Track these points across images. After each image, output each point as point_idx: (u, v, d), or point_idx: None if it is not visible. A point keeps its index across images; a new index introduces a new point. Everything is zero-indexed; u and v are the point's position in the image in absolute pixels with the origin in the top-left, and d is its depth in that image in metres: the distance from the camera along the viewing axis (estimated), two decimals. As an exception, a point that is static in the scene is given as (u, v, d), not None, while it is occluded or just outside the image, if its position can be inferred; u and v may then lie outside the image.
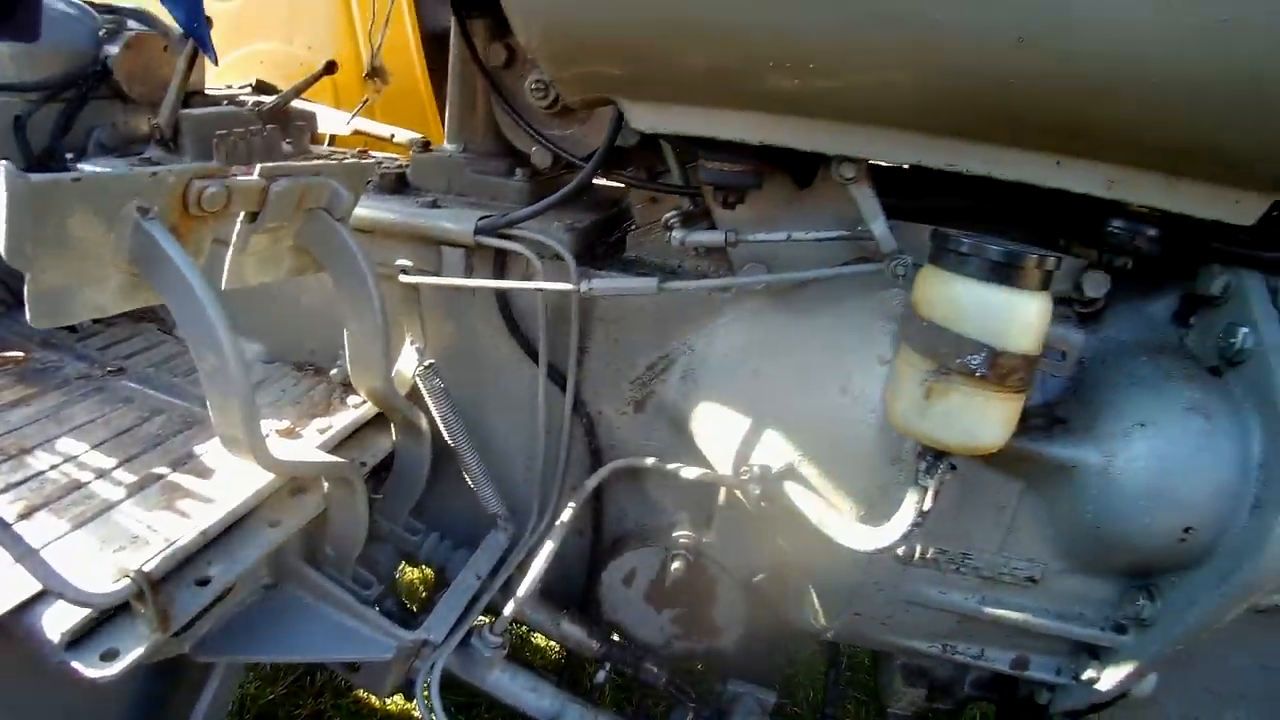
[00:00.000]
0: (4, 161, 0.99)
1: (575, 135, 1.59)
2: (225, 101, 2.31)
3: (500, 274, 1.62)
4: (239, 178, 1.25)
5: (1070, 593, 1.43)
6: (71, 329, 2.04)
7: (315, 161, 1.36)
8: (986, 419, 1.14)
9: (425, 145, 1.77)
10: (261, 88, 2.53)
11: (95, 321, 2.06)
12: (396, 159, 2.05)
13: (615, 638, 1.83)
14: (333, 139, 2.46)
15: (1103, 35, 0.94)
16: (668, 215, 1.49)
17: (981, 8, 0.97)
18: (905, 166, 1.40)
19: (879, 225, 1.34)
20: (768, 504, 1.43)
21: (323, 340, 1.88)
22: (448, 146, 1.77)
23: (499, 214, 1.58)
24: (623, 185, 1.85)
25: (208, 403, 1.25)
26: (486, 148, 1.73)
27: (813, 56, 1.11)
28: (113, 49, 2.12)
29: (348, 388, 1.75)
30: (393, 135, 2.17)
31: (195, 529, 1.35)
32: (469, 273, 1.61)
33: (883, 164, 1.31)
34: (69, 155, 2.06)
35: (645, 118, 1.34)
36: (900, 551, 1.44)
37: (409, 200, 1.68)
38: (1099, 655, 1.46)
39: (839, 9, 1.03)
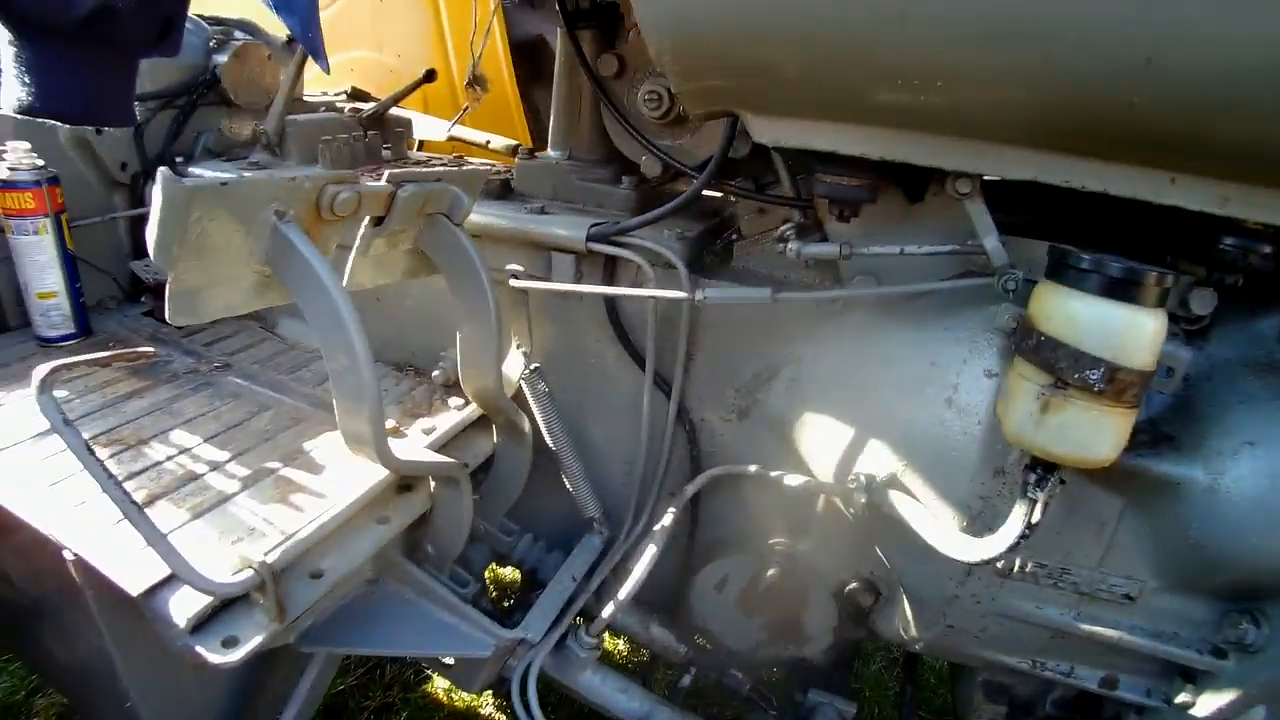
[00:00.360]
0: (163, 169, 1.03)
1: (685, 146, 1.60)
2: (323, 108, 2.36)
3: (609, 281, 1.63)
4: (369, 184, 1.28)
5: (1167, 612, 1.41)
6: (178, 325, 2.09)
7: (437, 168, 1.39)
8: (1101, 433, 1.14)
9: (530, 152, 1.79)
10: (356, 95, 2.58)
11: (199, 317, 2.11)
12: (490, 164, 2.08)
13: (701, 643, 1.83)
14: (422, 144, 2.50)
15: (1230, 53, 0.93)
16: (783, 227, 1.49)
17: (1113, 30, 0.97)
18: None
19: (991, 240, 1.33)
20: (870, 513, 1.42)
21: (424, 342, 1.91)
22: (552, 153, 1.79)
23: (610, 221, 1.59)
24: (722, 196, 1.87)
25: (335, 401, 1.27)
26: (593, 155, 1.74)
27: (940, 74, 1.11)
28: (221, 58, 2.18)
29: (449, 389, 1.78)
30: (488, 142, 2.20)
31: (311, 523, 1.38)
32: (578, 279, 1.63)
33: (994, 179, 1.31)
34: (179, 159, 2.12)
35: (767, 131, 1.34)
36: (999, 564, 1.42)
37: (517, 206, 1.70)
38: (1195, 679, 1.43)
39: (970, 28, 1.03)
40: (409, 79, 2.25)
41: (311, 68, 2.09)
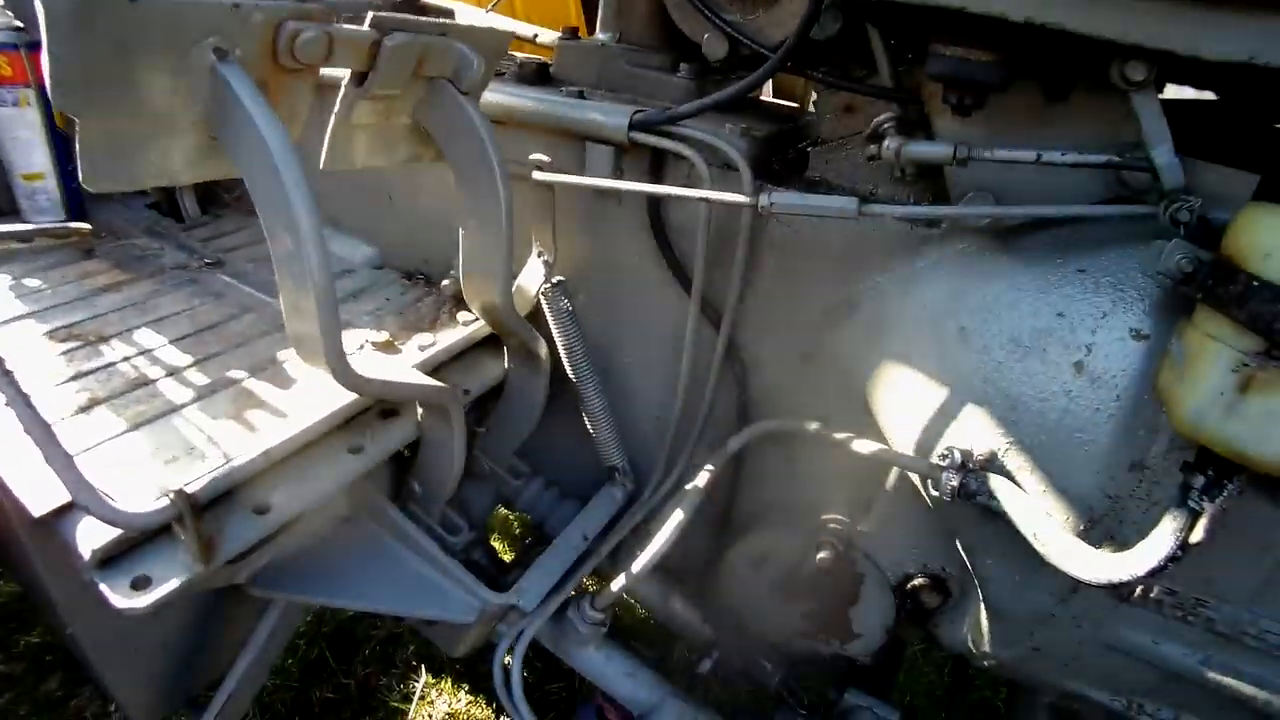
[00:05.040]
0: None
1: (759, 23, 1.16)
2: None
3: (655, 180, 1.22)
4: (344, 25, 0.90)
5: None
6: (179, 218, 1.75)
7: (439, 20, 1.00)
8: None
9: (574, 32, 1.39)
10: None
11: (204, 211, 1.76)
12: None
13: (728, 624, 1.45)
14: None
15: None
16: (879, 119, 1.07)
17: None
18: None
19: (1164, 152, 0.91)
20: (958, 499, 1.02)
21: (438, 249, 1.52)
22: (600, 36, 1.37)
23: (658, 110, 1.18)
24: (796, 104, 1.45)
25: (281, 300, 0.91)
26: (646, 38, 1.30)
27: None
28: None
29: (460, 303, 1.39)
30: (536, 36, 1.78)
31: (258, 447, 1.03)
32: (617, 176, 1.22)
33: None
34: None
35: (878, -20, 0.93)
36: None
37: (551, 91, 1.29)
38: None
39: None
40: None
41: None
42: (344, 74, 0.96)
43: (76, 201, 1.66)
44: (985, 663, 1.23)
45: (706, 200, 1.09)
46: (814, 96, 1.29)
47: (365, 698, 2.25)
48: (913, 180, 1.13)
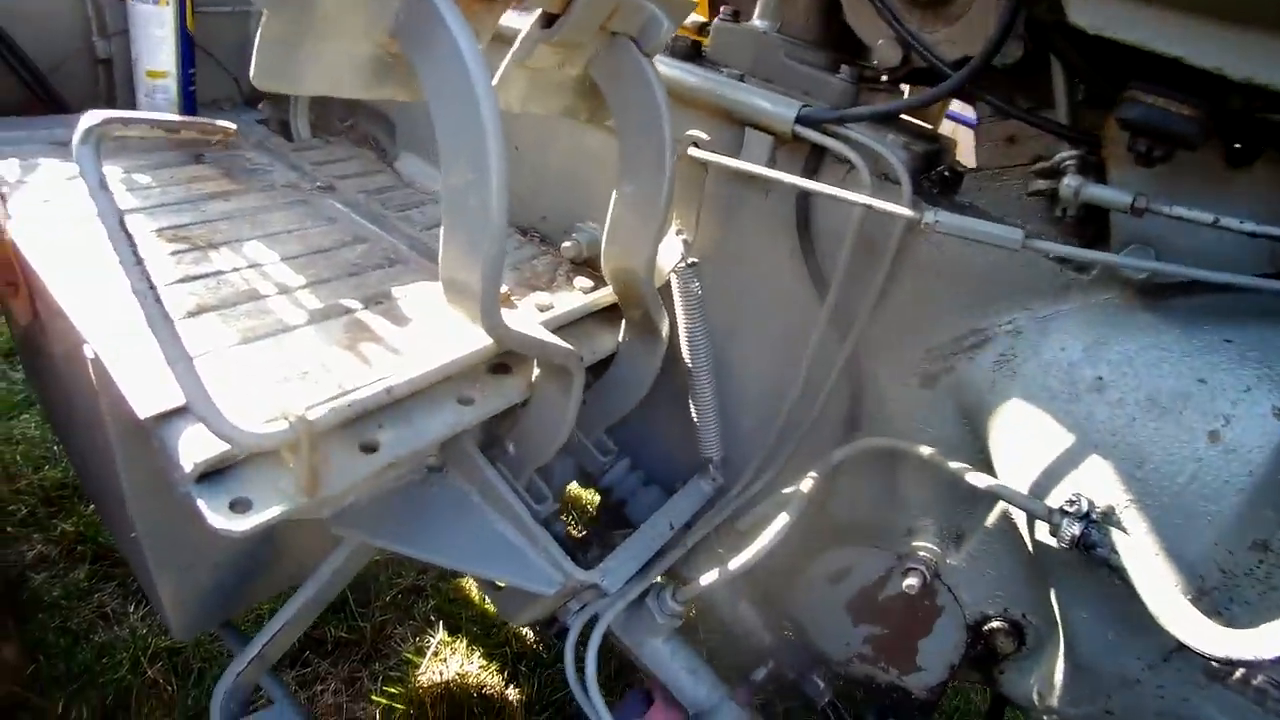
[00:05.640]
0: None
1: (938, 38, 1.13)
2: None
3: (810, 179, 1.17)
4: (549, -37, 0.86)
5: None
6: (288, 137, 1.71)
7: (635, -23, 0.96)
8: None
9: (735, 15, 1.34)
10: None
11: (314, 134, 1.73)
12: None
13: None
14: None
15: None
16: (1061, 155, 1.02)
17: None
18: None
19: (1342, 233, 0.88)
20: (1076, 549, 0.98)
21: (559, 208, 1.48)
22: (757, 22, 1.33)
23: (828, 107, 1.14)
24: (937, 130, 1.40)
25: (442, 233, 0.87)
26: (810, 32, 1.26)
27: None
28: None
29: (577, 267, 1.36)
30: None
31: (379, 383, 0.99)
32: (772, 167, 1.18)
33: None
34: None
35: (1087, 10, 0.89)
36: (1216, 663, 0.98)
37: (710, 70, 1.25)
38: None
39: None
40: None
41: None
42: (532, 15, 0.92)
43: (191, 105, 1.63)
44: (1048, 718, 1.19)
45: (865, 206, 1.04)
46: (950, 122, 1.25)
47: (378, 644, 2.23)
48: (1071, 222, 1.08)
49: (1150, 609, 0.92)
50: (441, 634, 2.29)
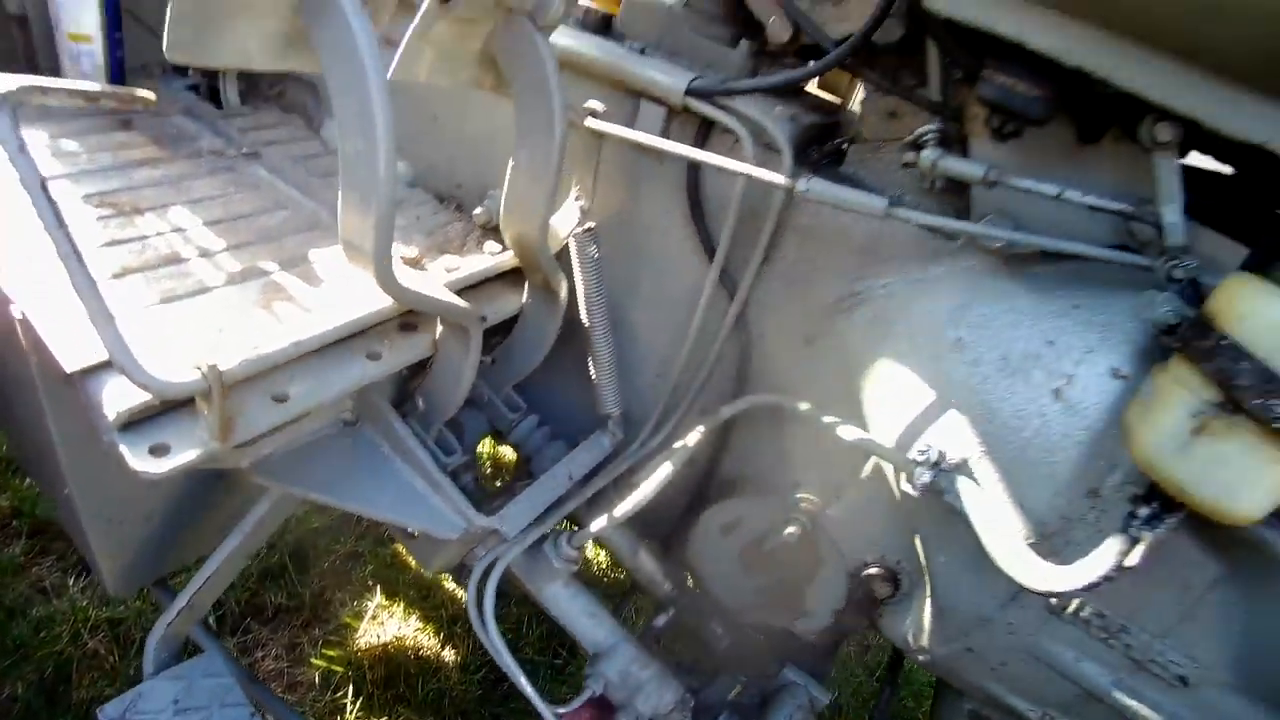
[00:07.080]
0: None
1: (824, 16, 1.23)
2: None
3: (700, 148, 1.27)
4: (444, -60, 0.95)
5: (1222, 712, 1.10)
6: (217, 104, 1.78)
7: (528, -43, 1.05)
8: (1258, 482, 0.85)
9: (645, -11, 1.43)
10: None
11: (244, 101, 1.79)
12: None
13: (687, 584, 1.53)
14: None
15: None
16: (921, 130, 1.13)
17: None
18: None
19: (1172, 211, 1.00)
20: (927, 496, 1.10)
21: (474, 176, 1.57)
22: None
23: (718, 78, 1.24)
24: (840, 100, 1.51)
25: (340, 196, 0.96)
26: (713, 8, 1.36)
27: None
28: None
29: (487, 232, 1.45)
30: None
31: (287, 337, 1.08)
32: (665, 137, 1.28)
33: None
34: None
35: (946, -3, 1.00)
36: (1054, 600, 1.12)
37: (614, 43, 1.35)
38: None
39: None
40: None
41: None
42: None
43: (118, 71, 1.67)
44: (920, 657, 1.32)
45: (746, 175, 1.15)
46: (859, 95, 1.35)
47: (318, 609, 2.32)
48: (940, 193, 1.20)
49: (987, 549, 1.05)
50: (379, 598, 2.39)
